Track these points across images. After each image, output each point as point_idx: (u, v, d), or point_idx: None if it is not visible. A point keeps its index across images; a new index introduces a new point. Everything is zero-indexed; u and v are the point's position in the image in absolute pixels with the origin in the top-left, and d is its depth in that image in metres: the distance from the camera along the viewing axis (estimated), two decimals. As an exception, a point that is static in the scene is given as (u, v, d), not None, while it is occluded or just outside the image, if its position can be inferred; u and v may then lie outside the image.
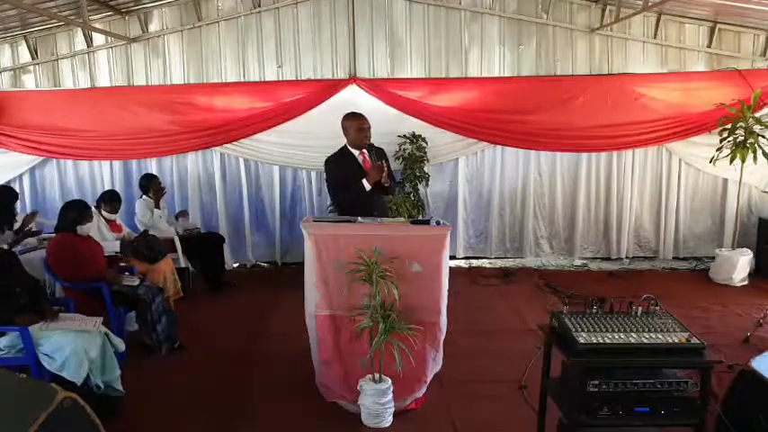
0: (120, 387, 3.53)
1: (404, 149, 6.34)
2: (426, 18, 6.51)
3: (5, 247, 4.78)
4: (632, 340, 2.41)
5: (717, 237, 6.90)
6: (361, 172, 4.10)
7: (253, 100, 6.50)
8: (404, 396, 3.44)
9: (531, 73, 6.62)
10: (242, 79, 6.61)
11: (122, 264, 4.90)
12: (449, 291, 3.55)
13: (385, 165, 4.07)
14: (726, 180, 6.72)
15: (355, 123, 4.16)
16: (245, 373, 4.07)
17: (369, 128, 4.17)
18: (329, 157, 4.28)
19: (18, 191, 5.81)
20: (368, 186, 4.06)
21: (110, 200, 5.32)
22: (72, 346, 3.27)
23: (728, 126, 6.00)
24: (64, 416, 2.27)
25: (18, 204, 5.25)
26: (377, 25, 6.51)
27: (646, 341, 2.41)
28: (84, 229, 4.37)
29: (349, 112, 4.31)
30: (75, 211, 4.37)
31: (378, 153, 4.21)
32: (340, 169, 4.19)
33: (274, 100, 6.46)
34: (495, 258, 7.07)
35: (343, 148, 4.26)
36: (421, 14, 6.51)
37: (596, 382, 2.38)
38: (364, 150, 4.18)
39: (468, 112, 6.48)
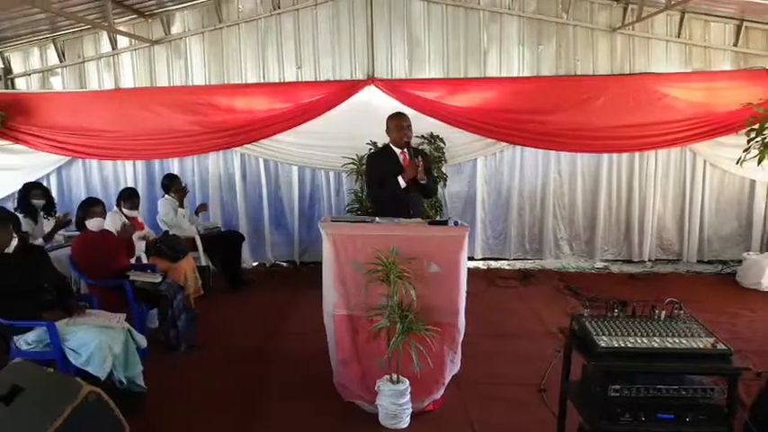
0: (142, 383, 3.56)
1: (422, 149, 6.31)
2: (445, 18, 6.50)
3: (39, 241, 4.93)
4: (655, 345, 2.37)
5: (743, 240, 6.76)
6: (400, 170, 4.14)
7: (272, 101, 6.55)
8: (421, 397, 3.43)
9: (550, 73, 6.57)
10: (262, 80, 6.66)
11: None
12: (467, 292, 3.53)
13: (420, 162, 4.08)
14: (753, 181, 6.59)
15: (395, 122, 4.21)
16: (263, 372, 4.09)
17: (408, 126, 4.20)
18: (370, 154, 4.37)
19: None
20: (402, 184, 4.08)
21: (129, 197, 5.40)
22: (96, 342, 3.32)
23: (756, 126, 5.87)
24: (88, 410, 2.32)
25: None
26: (395, 26, 6.51)
27: (669, 346, 2.36)
28: (91, 223, 4.44)
29: (393, 112, 4.39)
30: (79, 211, 4.52)
31: (417, 153, 4.25)
32: (378, 166, 4.27)
33: (293, 101, 6.50)
34: (514, 260, 7.02)
35: (386, 146, 4.35)
36: (439, 15, 6.50)
37: (618, 387, 2.34)
38: (405, 150, 4.19)
39: (486, 112, 6.45)
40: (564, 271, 6.81)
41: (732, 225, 6.82)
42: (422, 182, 4.12)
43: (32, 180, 6.11)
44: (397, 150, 4.21)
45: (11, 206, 5.84)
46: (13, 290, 3.42)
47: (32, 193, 5.37)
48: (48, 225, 5.29)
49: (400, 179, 4.08)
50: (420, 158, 4.12)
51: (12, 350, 3.50)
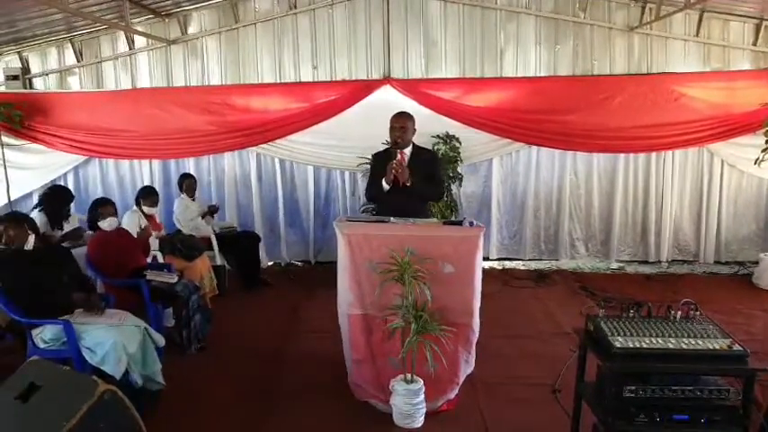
0: (161, 380, 3.59)
1: (437, 149, 6.31)
2: (461, 18, 6.48)
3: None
4: (671, 346, 2.36)
5: (761, 241, 6.67)
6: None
7: (288, 101, 6.57)
8: (436, 397, 3.43)
9: (567, 73, 6.52)
10: (278, 80, 6.68)
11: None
12: (481, 292, 3.52)
13: (399, 163, 3.94)
14: (772, 182, 6.51)
15: (391, 121, 4.13)
16: (277, 372, 4.11)
17: (401, 127, 4.07)
18: (374, 153, 4.35)
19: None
20: (385, 186, 4.02)
21: (148, 195, 5.47)
22: (111, 342, 3.35)
23: (775, 126, 5.80)
24: (104, 409, 2.34)
25: (73, 207, 5.45)
26: (411, 26, 6.50)
27: (685, 347, 2.35)
28: (104, 224, 4.48)
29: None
30: (90, 211, 4.57)
31: (420, 154, 4.15)
32: (375, 165, 4.25)
33: (309, 101, 6.51)
34: (530, 260, 6.99)
35: (390, 146, 4.25)
36: (456, 14, 6.48)
37: (633, 388, 2.34)
38: (405, 151, 4.09)
39: (503, 112, 6.42)
40: (579, 271, 6.77)
41: (750, 226, 6.74)
42: (407, 184, 3.96)
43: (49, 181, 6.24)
44: (397, 151, 4.10)
45: (30, 204, 5.92)
46: (32, 287, 3.48)
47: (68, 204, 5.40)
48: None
49: (383, 181, 4.01)
50: (401, 158, 3.98)
51: (29, 348, 3.55)
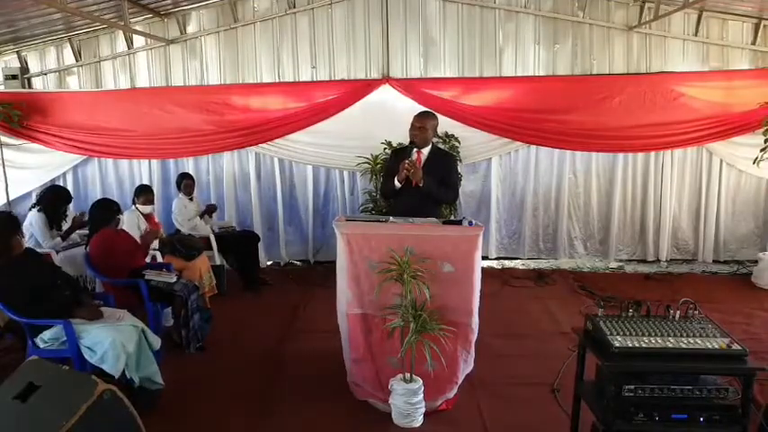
0: (159, 380, 3.58)
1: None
2: (460, 17, 6.48)
3: (57, 241, 5.01)
4: (670, 345, 2.37)
5: (760, 240, 6.69)
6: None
7: (287, 100, 6.56)
8: (435, 396, 3.44)
9: (566, 72, 6.52)
10: (277, 80, 6.68)
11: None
12: (481, 291, 3.52)
13: (409, 163, 3.92)
14: (770, 181, 6.52)
15: (412, 119, 4.12)
16: (276, 371, 4.11)
17: (420, 127, 4.05)
18: (394, 148, 4.33)
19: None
20: (397, 184, 4.01)
21: (142, 192, 5.46)
22: (110, 340, 3.35)
23: (773, 125, 5.81)
24: (103, 408, 2.35)
25: (71, 207, 5.45)
26: (410, 25, 6.50)
27: (684, 346, 2.36)
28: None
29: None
30: (95, 212, 4.62)
31: (438, 155, 4.15)
32: (391, 162, 4.24)
33: (308, 100, 6.50)
34: (528, 259, 7.00)
35: (409, 144, 4.20)
36: (455, 14, 6.48)
37: (631, 387, 2.35)
38: (423, 151, 4.08)
39: (502, 111, 6.41)
40: (578, 271, 6.78)
41: (748, 225, 6.75)
42: (419, 185, 3.93)
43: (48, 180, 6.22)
44: (414, 150, 4.10)
45: (29, 204, 5.91)
46: (32, 288, 3.47)
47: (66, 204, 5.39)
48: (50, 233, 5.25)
49: (395, 179, 4.01)
50: (418, 158, 3.99)
51: (29, 347, 3.55)
